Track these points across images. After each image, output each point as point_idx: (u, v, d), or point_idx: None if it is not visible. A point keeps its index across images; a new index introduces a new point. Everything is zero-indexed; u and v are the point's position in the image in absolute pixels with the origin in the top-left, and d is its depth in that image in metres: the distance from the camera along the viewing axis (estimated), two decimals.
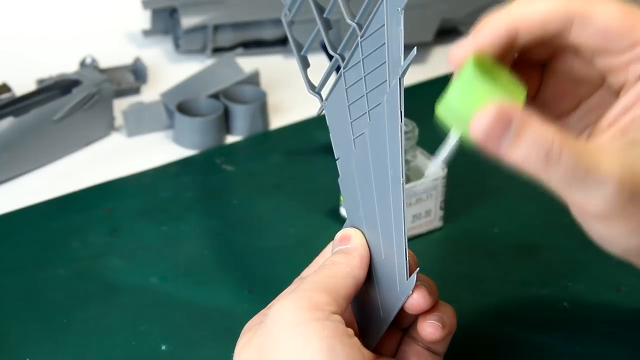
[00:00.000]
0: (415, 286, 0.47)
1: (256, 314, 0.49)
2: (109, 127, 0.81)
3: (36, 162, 0.76)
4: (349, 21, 0.48)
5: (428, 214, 0.67)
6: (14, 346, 0.57)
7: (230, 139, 0.81)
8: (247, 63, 0.88)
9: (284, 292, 0.49)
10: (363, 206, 0.48)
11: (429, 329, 0.48)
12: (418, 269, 0.47)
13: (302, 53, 0.53)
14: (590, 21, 0.45)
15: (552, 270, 0.65)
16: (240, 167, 0.77)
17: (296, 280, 0.50)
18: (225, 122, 0.81)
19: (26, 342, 0.58)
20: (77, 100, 0.77)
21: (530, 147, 0.43)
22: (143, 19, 0.98)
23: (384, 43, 0.46)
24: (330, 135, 0.51)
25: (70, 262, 0.65)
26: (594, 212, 0.45)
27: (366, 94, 0.48)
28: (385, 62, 0.46)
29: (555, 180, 0.44)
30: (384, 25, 0.46)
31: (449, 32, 0.99)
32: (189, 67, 0.90)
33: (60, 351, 0.57)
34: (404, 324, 0.50)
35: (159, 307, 0.61)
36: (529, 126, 0.42)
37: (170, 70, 0.92)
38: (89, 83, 0.79)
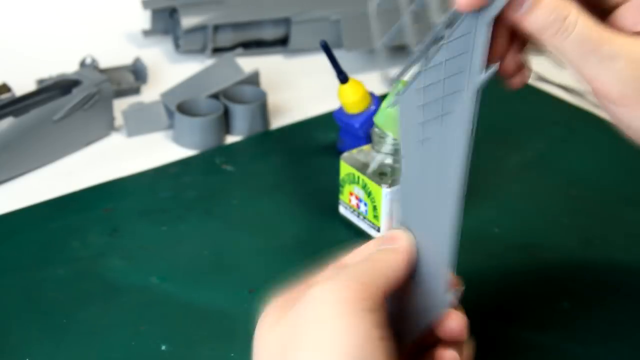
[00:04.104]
0: (459, 314, 0.47)
1: (279, 293, 0.47)
2: (109, 127, 0.81)
3: (36, 162, 0.76)
4: (438, 20, 0.47)
5: None
6: (14, 346, 0.57)
7: (230, 139, 0.81)
8: (247, 63, 0.88)
9: (321, 275, 0.47)
10: (417, 209, 0.48)
11: (450, 357, 0.48)
12: (463, 287, 0.47)
13: (383, 43, 0.51)
14: None
15: (552, 270, 0.65)
16: (240, 167, 0.77)
17: (334, 265, 0.49)
18: (225, 122, 0.81)
19: (26, 342, 0.58)
20: (77, 100, 0.77)
21: (547, 14, 0.45)
22: (143, 19, 0.98)
23: (468, 51, 0.45)
24: (400, 132, 0.49)
25: (70, 262, 0.65)
26: (609, 94, 0.46)
27: (442, 97, 0.47)
28: (464, 70, 0.46)
29: (569, 50, 0.46)
30: (470, 32, 0.45)
31: None
32: (189, 67, 0.90)
33: (60, 351, 0.57)
34: (425, 343, 0.50)
35: (159, 307, 0.61)
36: None
37: (170, 70, 0.92)
38: (89, 83, 0.79)
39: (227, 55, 0.87)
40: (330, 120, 0.79)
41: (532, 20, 0.46)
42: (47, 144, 0.76)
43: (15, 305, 0.61)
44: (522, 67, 0.50)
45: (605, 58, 0.46)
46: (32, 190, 0.73)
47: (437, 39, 0.47)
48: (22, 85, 0.82)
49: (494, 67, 0.45)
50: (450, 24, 0.46)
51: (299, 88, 0.90)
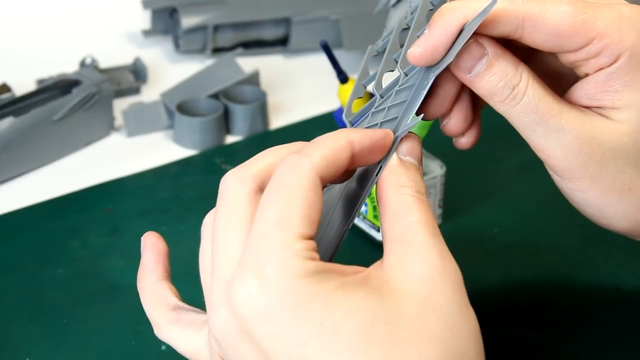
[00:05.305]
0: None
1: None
2: (109, 127, 0.81)
3: (36, 162, 0.76)
4: (399, 69, 0.47)
5: None
6: (14, 346, 0.57)
7: (230, 139, 0.81)
8: (247, 63, 0.88)
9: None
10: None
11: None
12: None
13: (363, 82, 0.51)
14: (541, 23, 0.44)
15: (552, 270, 0.65)
16: None
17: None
18: (225, 122, 0.81)
19: (26, 342, 0.58)
20: (77, 100, 0.77)
21: (496, 81, 0.45)
22: (143, 19, 0.98)
23: (406, 100, 0.46)
24: None
25: (70, 262, 0.65)
26: (554, 166, 0.46)
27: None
28: (398, 117, 0.46)
29: (516, 118, 0.46)
30: (416, 84, 0.46)
31: None
32: (189, 67, 0.90)
33: (60, 351, 0.57)
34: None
35: None
36: (502, 59, 0.45)
37: (170, 70, 0.92)
38: (89, 83, 0.79)
39: (227, 55, 0.87)
40: (330, 120, 0.79)
41: (481, 84, 0.46)
42: (47, 144, 0.76)
43: (15, 305, 0.61)
44: (472, 125, 0.50)
45: (552, 131, 0.45)
46: (32, 190, 0.73)
47: (394, 86, 0.47)
48: (22, 85, 0.82)
49: (418, 118, 0.45)
50: (407, 73, 0.46)
51: (299, 88, 0.90)
